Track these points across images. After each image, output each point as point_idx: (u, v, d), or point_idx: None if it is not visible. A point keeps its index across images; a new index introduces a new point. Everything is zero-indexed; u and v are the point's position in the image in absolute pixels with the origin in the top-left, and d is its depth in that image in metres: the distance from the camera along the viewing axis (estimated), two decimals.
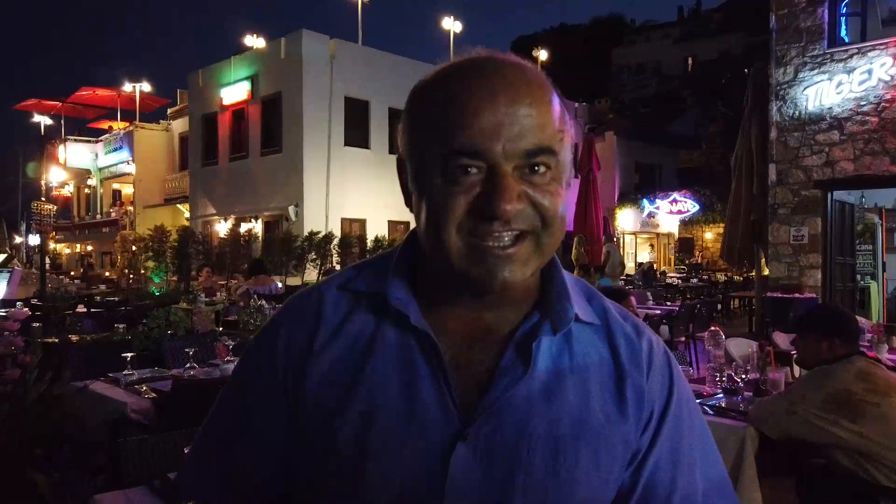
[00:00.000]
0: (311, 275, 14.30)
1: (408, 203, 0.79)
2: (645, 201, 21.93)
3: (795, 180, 9.55)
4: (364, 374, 0.75)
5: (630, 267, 20.40)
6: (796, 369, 3.66)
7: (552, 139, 0.72)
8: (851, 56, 9.08)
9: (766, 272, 9.62)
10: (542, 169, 0.72)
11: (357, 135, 17.68)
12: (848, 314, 2.97)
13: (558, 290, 0.79)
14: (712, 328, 3.76)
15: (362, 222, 17.56)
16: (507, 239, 0.71)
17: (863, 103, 8.97)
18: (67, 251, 31.70)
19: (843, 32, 9.38)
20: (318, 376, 0.76)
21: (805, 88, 9.42)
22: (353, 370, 0.75)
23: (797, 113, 9.48)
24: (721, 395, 3.29)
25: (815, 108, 9.33)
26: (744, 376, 3.36)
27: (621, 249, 21.45)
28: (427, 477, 0.71)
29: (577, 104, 24.17)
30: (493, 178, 0.70)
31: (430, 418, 0.72)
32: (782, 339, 4.90)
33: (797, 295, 8.72)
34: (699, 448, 0.81)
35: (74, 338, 5.30)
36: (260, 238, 17.18)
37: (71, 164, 27.90)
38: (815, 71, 9.35)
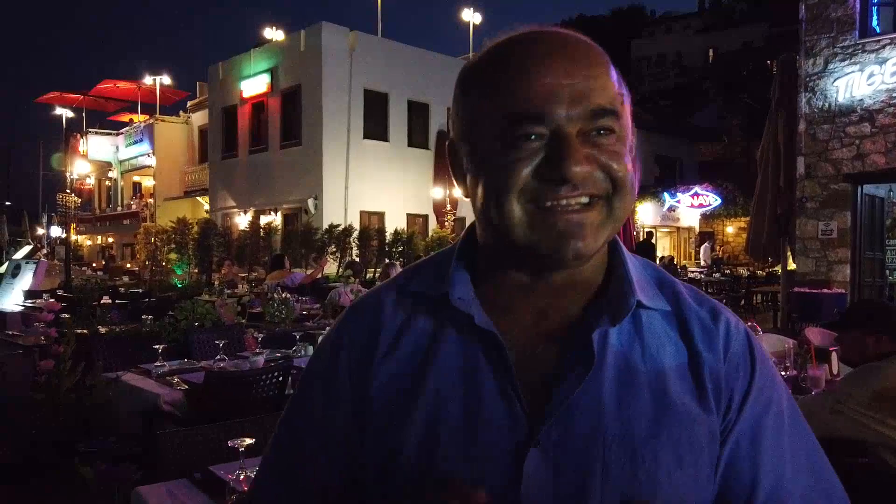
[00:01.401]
0: (331, 268, 14.33)
1: (462, 188, 0.76)
2: (665, 195, 21.69)
3: (824, 174, 9.38)
4: (427, 380, 0.72)
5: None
6: (835, 366, 3.58)
7: (614, 101, 0.70)
8: (884, 47, 8.89)
9: (793, 267, 9.47)
10: (607, 132, 0.69)
11: (376, 127, 17.67)
12: (894, 309, 2.89)
13: (619, 276, 0.75)
14: (749, 324, 3.69)
15: (381, 215, 17.56)
16: (575, 205, 0.68)
17: (895, 95, 8.78)
18: (88, 243, 32.07)
19: (874, 22, 9.18)
20: (381, 384, 0.74)
21: (835, 80, 9.23)
22: (416, 377, 0.73)
23: (827, 105, 9.31)
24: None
25: (845, 99, 9.15)
26: (782, 373, 3.29)
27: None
28: (499, 486, 0.67)
29: None
30: (558, 141, 0.67)
31: (496, 424, 0.69)
32: (815, 336, 4.81)
33: (825, 291, 8.58)
34: (794, 450, 0.74)
35: (104, 329, 5.34)
36: (279, 231, 17.25)
37: (92, 156, 28.19)
38: (846, 62, 9.17)
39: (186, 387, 3.44)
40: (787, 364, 3.43)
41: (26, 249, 18.07)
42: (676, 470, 0.68)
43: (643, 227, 22.18)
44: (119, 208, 28.17)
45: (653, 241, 15.80)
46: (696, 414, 0.71)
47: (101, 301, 7.48)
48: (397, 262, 13.15)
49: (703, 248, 19.21)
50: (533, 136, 0.68)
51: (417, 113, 18.37)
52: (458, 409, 0.70)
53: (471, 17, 21.72)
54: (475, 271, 0.77)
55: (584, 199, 0.69)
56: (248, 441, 1.80)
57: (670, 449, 0.69)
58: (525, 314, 0.74)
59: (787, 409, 0.76)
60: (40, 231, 32.19)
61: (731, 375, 0.73)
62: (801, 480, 0.73)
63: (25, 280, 10.01)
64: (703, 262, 17.71)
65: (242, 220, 18.59)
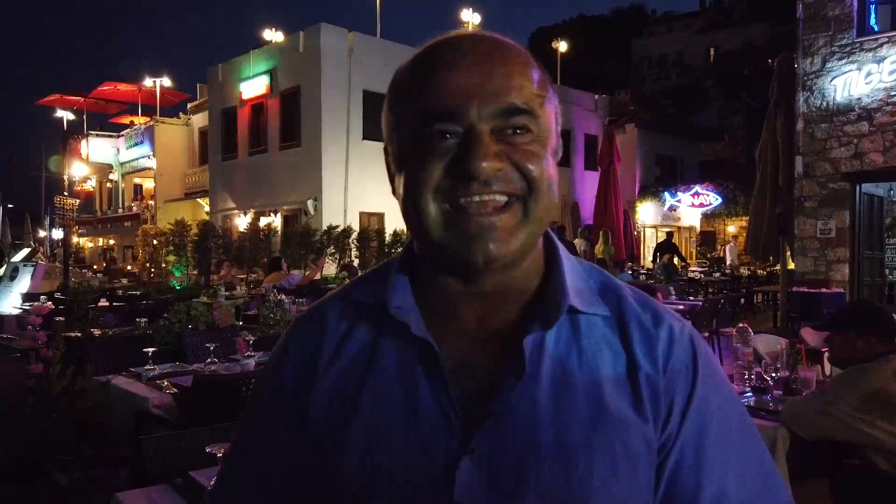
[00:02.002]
0: (330, 269, 14.33)
1: (394, 191, 0.76)
2: (666, 194, 21.68)
3: (822, 173, 9.36)
4: (366, 390, 0.72)
5: (650, 260, 20.22)
6: (828, 367, 3.57)
7: (531, 100, 0.70)
8: (882, 45, 8.86)
9: (792, 266, 9.45)
10: (523, 131, 0.69)
11: (376, 128, 17.43)
12: (884, 310, 2.87)
13: (553, 283, 0.74)
14: (740, 325, 3.67)
15: (381, 216, 17.55)
16: (490, 206, 0.68)
17: (893, 93, 8.76)
18: (90, 245, 32.11)
19: (872, 21, 9.16)
20: (322, 395, 0.74)
21: (833, 79, 9.21)
22: (355, 388, 0.72)
23: (825, 104, 9.28)
24: (750, 394, 3.21)
25: (843, 98, 9.13)
26: (773, 374, 3.28)
27: (642, 243, 21.27)
28: (432, 495, 0.67)
29: (596, 96, 23.94)
30: (469, 138, 0.67)
31: (432, 434, 0.68)
32: (811, 336, 4.79)
33: (824, 290, 8.55)
34: (736, 450, 0.72)
35: (97, 332, 5.33)
36: (279, 232, 17.25)
37: (93, 158, 28.23)
38: (844, 61, 9.14)
39: (176, 390, 3.43)
40: (779, 365, 3.41)
41: (24, 252, 18.09)
42: (611, 478, 0.67)
43: (644, 227, 22.17)
44: (120, 210, 28.20)
45: (673, 240, 15.84)
46: (632, 421, 0.69)
47: (98, 304, 7.48)
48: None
49: (727, 247, 19.15)
50: (448, 135, 0.68)
51: None
52: (395, 418, 0.70)
53: (470, 17, 21.72)
54: (415, 279, 0.77)
55: (500, 198, 0.68)
56: (226, 446, 1.78)
57: (605, 457, 0.67)
58: (464, 322, 0.74)
59: (733, 417, 0.74)
60: (42, 233, 32.27)
61: (672, 383, 0.72)
62: (746, 489, 0.72)
63: (24, 283, 10.02)
64: (728, 261, 17.71)
65: (242, 222, 18.60)
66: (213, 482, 0.88)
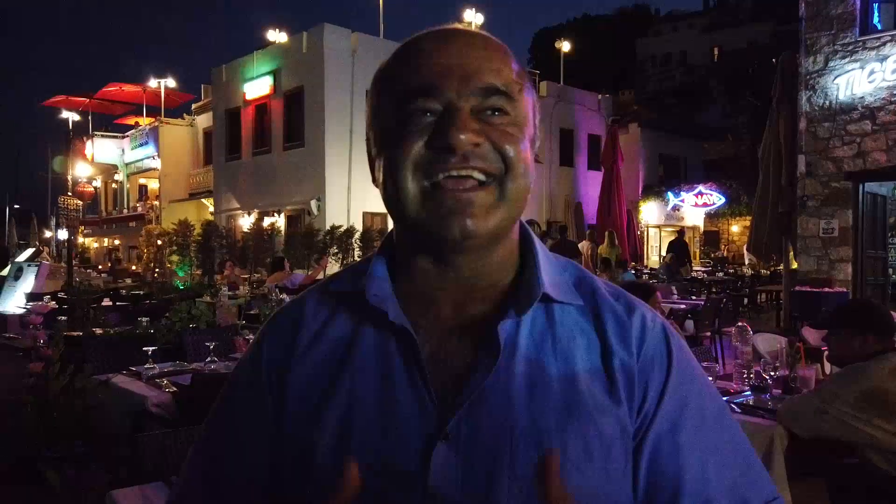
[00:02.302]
0: (333, 269, 14.35)
1: (374, 179, 0.77)
2: (670, 194, 21.63)
3: (825, 172, 9.33)
4: (342, 378, 0.72)
5: (654, 260, 20.17)
6: (827, 366, 3.56)
7: (509, 84, 0.72)
8: (884, 44, 8.83)
9: (795, 266, 9.42)
10: (500, 112, 0.71)
11: None
12: (882, 309, 2.86)
13: (528, 272, 0.75)
14: (739, 323, 3.67)
15: (384, 216, 17.54)
16: (468, 183, 0.69)
17: None
18: (95, 245, 32.23)
19: (875, 19, 9.12)
20: (298, 384, 0.74)
21: (836, 77, 9.18)
22: (332, 376, 0.73)
23: (827, 103, 9.25)
24: (749, 393, 3.20)
25: (846, 97, 9.10)
26: (772, 373, 3.27)
27: (645, 243, 21.23)
28: (407, 480, 0.68)
29: (600, 96, 23.92)
30: (448, 113, 0.69)
31: (408, 419, 0.69)
32: (812, 335, 4.78)
33: (826, 289, 8.53)
34: (715, 436, 0.73)
35: (98, 331, 5.36)
36: (283, 232, 17.28)
37: (98, 159, 28.34)
38: (847, 59, 9.11)
39: (175, 389, 3.45)
40: (778, 364, 3.40)
41: (29, 252, 18.17)
42: (585, 463, 0.68)
43: (647, 227, 22.13)
44: (125, 210, 28.31)
45: (685, 238, 15.92)
46: (606, 407, 0.71)
47: (101, 303, 7.51)
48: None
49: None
50: (428, 113, 0.70)
51: None
52: (371, 405, 0.71)
53: (473, 17, 21.72)
54: (395, 269, 0.78)
55: (477, 175, 0.69)
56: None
57: (579, 442, 0.68)
58: (440, 309, 0.75)
59: (709, 404, 0.75)
60: (48, 234, 32.39)
61: (646, 370, 0.73)
62: (726, 474, 0.72)
63: (28, 282, 10.07)
64: (747, 261, 17.70)
65: (246, 222, 18.64)
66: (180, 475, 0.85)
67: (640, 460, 0.71)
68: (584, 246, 13.03)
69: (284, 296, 6.65)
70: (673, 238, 16.40)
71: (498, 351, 0.70)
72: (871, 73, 8.88)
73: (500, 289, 0.76)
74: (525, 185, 0.72)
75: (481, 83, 0.70)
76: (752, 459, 0.76)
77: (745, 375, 3.35)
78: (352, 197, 16.99)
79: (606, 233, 13.14)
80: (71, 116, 29.06)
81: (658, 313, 0.79)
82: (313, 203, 16.89)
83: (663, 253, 20.48)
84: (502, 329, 0.71)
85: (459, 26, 0.76)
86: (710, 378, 3.27)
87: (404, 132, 0.70)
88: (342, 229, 15.54)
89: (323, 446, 0.71)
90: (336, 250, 15.20)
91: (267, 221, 17.58)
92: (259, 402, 0.77)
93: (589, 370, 0.72)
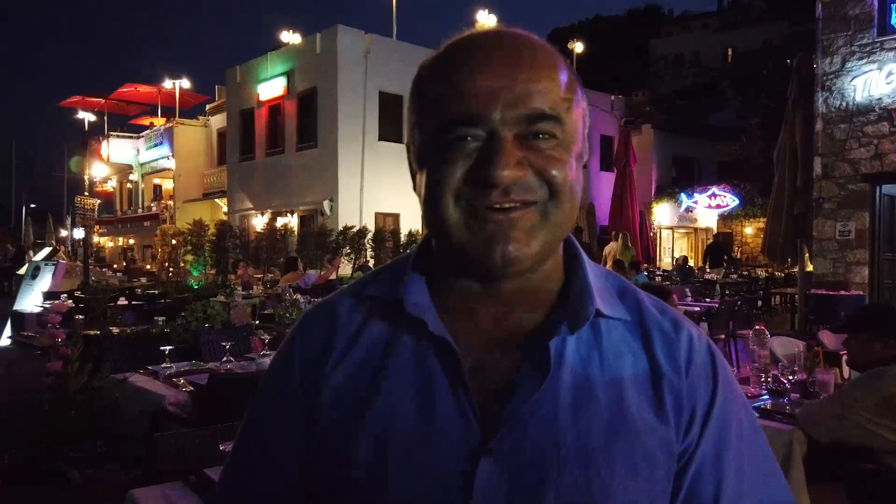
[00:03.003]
0: (346, 269, 14.38)
1: (415, 187, 0.76)
2: (682, 195, 21.50)
3: (842, 174, 9.24)
4: (379, 388, 0.71)
5: (666, 262, 20.07)
6: (846, 370, 3.52)
7: (556, 105, 0.68)
8: None
9: (810, 268, 9.35)
10: (547, 136, 0.68)
11: (391, 129, 17.70)
12: None
13: (579, 286, 0.74)
14: (757, 327, 3.64)
15: (396, 217, 17.59)
16: (509, 211, 0.67)
17: None
18: (110, 244, 32.50)
19: (893, 20, 9.03)
20: (333, 391, 0.72)
21: (853, 78, 9.10)
22: (368, 385, 0.71)
23: (844, 104, 9.17)
24: (766, 397, 3.18)
25: (863, 98, 9.01)
26: (790, 377, 3.24)
27: (658, 244, 21.12)
28: (450, 496, 0.66)
29: (612, 97, 23.82)
30: (491, 144, 0.66)
31: (449, 432, 0.67)
32: (829, 339, 4.73)
33: (843, 292, 8.45)
34: (751, 461, 0.73)
35: (115, 330, 5.40)
36: (295, 232, 17.34)
37: (113, 159, 28.59)
38: (864, 60, 9.02)
39: (192, 388, 3.47)
40: (796, 368, 3.37)
41: (46, 251, 18.36)
42: (631, 481, 0.67)
43: (660, 228, 22.02)
44: (140, 210, 28.52)
45: (720, 240, 15.94)
46: (653, 425, 0.70)
47: (117, 302, 7.57)
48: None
49: None
50: (469, 138, 0.67)
51: None
52: (411, 417, 0.69)
53: (485, 18, 21.71)
54: (431, 276, 0.76)
55: (517, 206, 0.67)
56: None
57: (625, 460, 0.67)
58: (482, 321, 0.73)
59: (746, 420, 0.75)
60: (63, 233, 32.69)
61: (694, 388, 0.72)
62: (756, 491, 0.72)
63: (45, 281, 10.17)
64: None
65: (259, 222, 18.73)
66: (219, 482, 0.85)
67: (681, 481, 0.71)
68: (610, 248, 13.08)
69: (298, 296, 6.68)
70: (710, 242, 16.39)
71: (548, 367, 0.68)
72: (890, 74, 8.79)
73: (547, 299, 0.74)
74: (571, 207, 0.70)
75: (527, 110, 0.67)
76: (775, 469, 0.76)
77: (762, 379, 3.32)
78: (364, 197, 17.03)
79: (620, 234, 13.10)
80: (87, 117, 29.33)
81: (702, 331, 0.78)
82: (326, 203, 16.95)
83: (676, 254, 20.41)
84: (553, 345, 0.69)
85: (503, 30, 0.71)
86: None
87: (445, 158, 0.68)
88: (355, 230, 15.58)
89: (360, 460, 0.69)
90: (348, 250, 15.24)
91: (280, 222, 17.66)
92: (292, 404, 0.76)
93: (636, 387, 0.71)
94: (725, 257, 14.88)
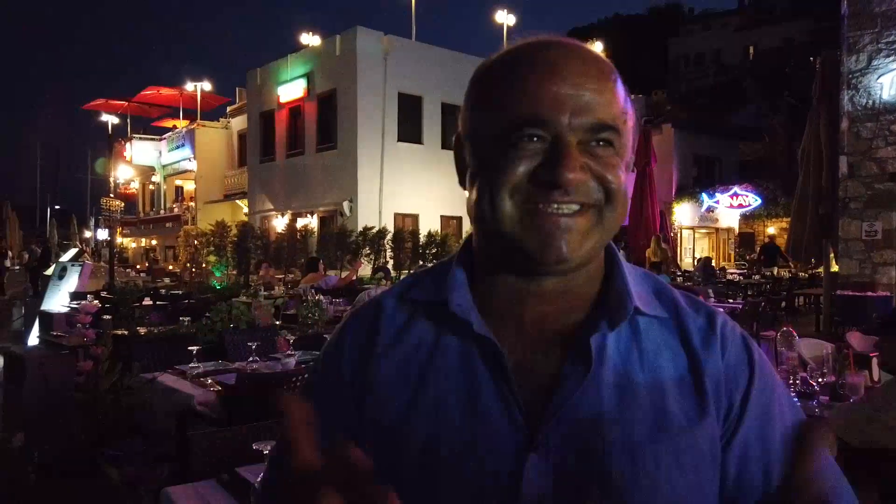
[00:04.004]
0: (366, 270, 14.45)
1: (462, 182, 0.79)
2: (704, 195, 21.29)
3: (868, 173, 9.10)
4: (426, 387, 0.73)
5: (687, 262, 19.90)
6: (876, 372, 3.47)
7: (617, 118, 0.72)
8: None
9: (835, 269, 9.21)
10: (606, 144, 0.72)
11: (410, 130, 17.77)
12: None
13: (617, 284, 0.76)
14: (784, 328, 3.60)
15: (415, 217, 17.64)
16: (566, 210, 0.70)
17: None
18: (133, 245, 32.94)
19: None
20: (381, 382, 0.75)
21: (879, 76, 8.95)
22: (415, 384, 0.74)
23: (871, 102, 9.03)
24: (795, 400, 3.14)
25: (890, 97, 8.87)
26: (820, 379, 3.20)
27: (679, 245, 20.95)
28: (499, 491, 0.68)
29: (632, 96, 23.50)
30: (558, 147, 0.69)
31: (496, 429, 0.69)
32: (858, 341, 4.67)
33: (870, 293, 8.32)
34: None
35: (142, 330, 5.48)
36: (316, 233, 17.45)
37: (136, 161, 29.01)
38: (891, 58, 8.88)
39: (219, 388, 3.51)
40: (825, 370, 3.33)
41: (72, 252, 18.65)
42: (677, 475, 0.68)
43: (681, 228, 21.82)
44: (162, 211, 28.89)
45: (775, 243, 15.90)
46: (696, 418, 0.71)
47: (142, 303, 7.67)
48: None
49: None
50: (535, 139, 0.70)
51: (451, 115, 18.42)
52: (457, 416, 0.70)
53: (504, 18, 21.68)
54: (473, 278, 0.79)
55: (575, 206, 0.71)
56: (273, 444, 1.82)
57: (671, 453, 0.69)
58: (523, 321, 0.75)
59: (786, 402, 0.77)
60: (87, 234, 33.17)
61: (731, 379, 0.74)
62: None
63: (71, 282, 10.33)
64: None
65: (280, 223, 18.88)
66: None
67: (727, 465, 0.72)
68: (652, 251, 13.14)
69: (320, 297, 6.72)
70: (766, 241, 16.33)
71: (589, 362, 0.70)
72: None
73: (587, 299, 0.77)
74: (622, 212, 0.74)
75: (593, 119, 0.70)
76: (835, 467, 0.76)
77: (790, 382, 3.29)
78: (384, 198, 17.10)
79: (653, 237, 13.16)
80: (110, 119, 29.75)
81: (736, 323, 0.79)
82: (346, 204, 17.04)
83: (697, 255, 20.23)
84: (593, 342, 0.71)
85: (570, 42, 0.75)
86: None
87: (508, 157, 0.71)
88: (374, 230, 15.65)
89: (409, 451, 0.71)
90: (368, 251, 15.32)
91: (300, 223, 17.79)
92: (340, 402, 0.77)
93: (678, 383, 0.73)
94: (780, 258, 14.79)
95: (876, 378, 3.50)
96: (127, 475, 2.20)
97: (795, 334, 3.53)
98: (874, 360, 3.34)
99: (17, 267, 19.09)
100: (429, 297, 0.78)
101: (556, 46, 0.73)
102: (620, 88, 0.74)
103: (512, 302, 0.76)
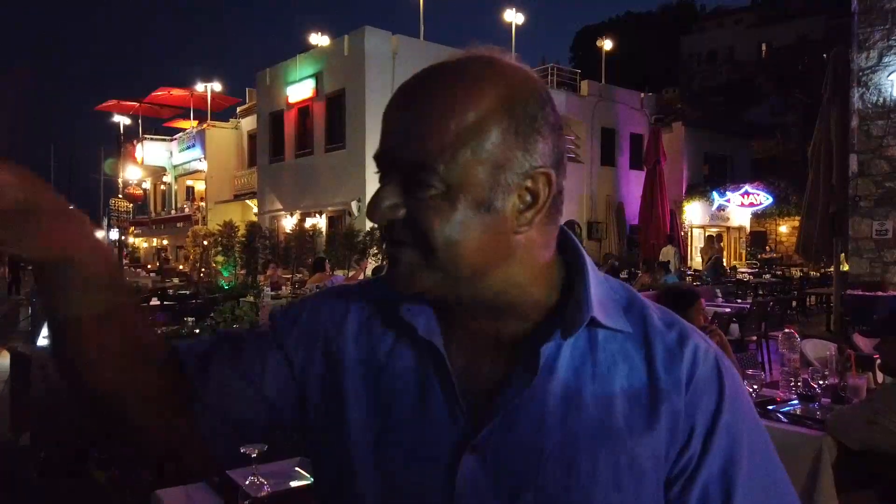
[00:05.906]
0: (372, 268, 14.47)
1: None
2: (714, 194, 21.15)
3: (879, 171, 9.00)
4: (378, 384, 0.75)
5: (697, 261, 19.77)
6: (879, 375, 3.43)
7: (441, 153, 0.65)
8: None
9: (846, 268, 9.12)
10: (427, 186, 0.66)
11: None
12: None
13: (576, 296, 0.73)
14: (786, 329, 3.56)
15: None
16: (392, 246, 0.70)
17: None
18: (145, 245, 33.18)
19: None
20: (346, 371, 0.77)
21: (890, 74, 8.85)
22: (368, 378, 0.76)
23: (881, 100, 8.93)
24: (796, 402, 3.11)
25: None
26: (821, 382, 3.16)
27: (689, 244, 20.82)
28: (433, 489, 0.69)
29: (642, 94, 23.55)
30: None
31: (438, 428, 0.71)
32: (863, 342, 4.61)
33: (880, 293, 8.23)
34: (765, 484, 0.71)
35: None
36: (324, 233, 17.50)
37: (147, 161, 29.19)
38: None
39: None
40: (827, 372, 3.29)
41: None
42: (613, 491, 0.68)
43: (691, 227, 21.69)
44: (173, 211, 29.06)
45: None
46: (642, 437, 0.69)
47: (150, 303, 7.72)
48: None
49: None
50: (380, 175, 0.71)
51: None
52: (406, 415, 0.72)
53: (513, 17, 21.63)
54: None
55: (396, 243, 0.70)
56: (260, 447, 1.82)
57: (609, 468, 0.68)
58: (475, 324, 0.75)
59: (757, 438, 0.73)
60: (100, 234, 33.39)
61: (694, 403, 0.71)
62: None
63: None
64: None
65: (289, 223, 18.95)
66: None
67: (689, 493, 0.70)
68: (667, 252, 13.13)
69: None
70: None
71: (536, 369, 0.69)
72: None
73: (543, 307, 0.74)
74: (451, 257, 0.67)
75: (409, 157, 0.66)
76: (790, 490, 0.74)
77: (792, 383, 3.25)
78: None
79: (667, 237, 13.17)
80: (122, 120, 29.98)
81: (712, 344, 0.76)
82: (354, 204, 17.07)
83: (700, 244, 20.09)
84: (544, 350, 0.70)
85: (436, 67, 0.70)
86: (756, 386, 3.18)
87: None
88: None
89: (359, 449, 0.73)
90: (375, 251, 15.34)
91: (309, 222, 17.84)
92: (314, 334, 0.80)
93: (628, 398, 0.71)
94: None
95: (879, 381, 3.46)
96: (116, 478, 2.21)
97: (797, 336, 3.49)
98: (877, 363, 3.30)
99: (30, 266, 19.23)
100: (386, 297, 0.78)
101: (414, 76, 0.71)
102: (468, 114, 0.65)
103: (461, 308, 0.75)
